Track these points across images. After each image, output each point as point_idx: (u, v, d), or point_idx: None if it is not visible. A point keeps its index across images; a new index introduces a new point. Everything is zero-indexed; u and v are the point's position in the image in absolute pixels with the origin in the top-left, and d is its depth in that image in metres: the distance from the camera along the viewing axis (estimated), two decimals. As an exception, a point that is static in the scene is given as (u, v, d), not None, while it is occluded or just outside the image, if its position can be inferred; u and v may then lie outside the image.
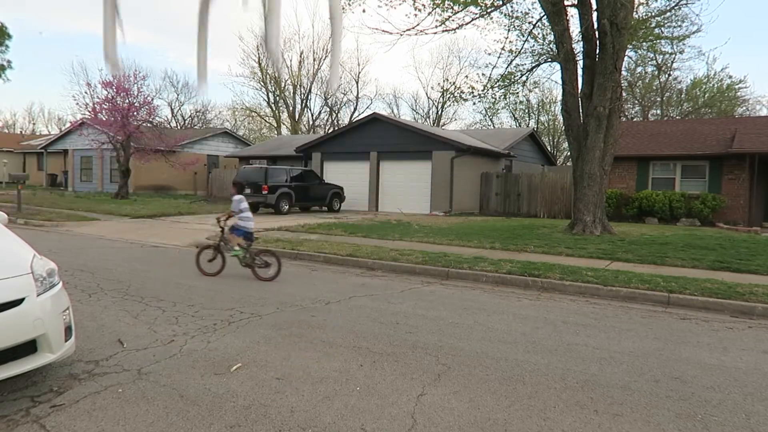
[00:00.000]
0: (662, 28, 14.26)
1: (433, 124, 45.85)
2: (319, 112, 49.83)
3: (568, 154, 21.18)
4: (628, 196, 18.82)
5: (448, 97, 41.29)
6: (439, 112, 48.04)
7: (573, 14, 13.35)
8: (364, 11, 14.41)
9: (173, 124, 47.16)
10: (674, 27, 14.25)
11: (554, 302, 6.48)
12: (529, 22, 13.96)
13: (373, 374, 3.83)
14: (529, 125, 42.80)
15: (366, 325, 5.16)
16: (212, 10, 0.84)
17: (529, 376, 3.88)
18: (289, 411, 3.20)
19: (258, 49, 47.85)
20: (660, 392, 3.62)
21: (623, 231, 13.61)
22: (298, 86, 46.44)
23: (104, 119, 22.02)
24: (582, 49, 12.93)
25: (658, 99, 38.25)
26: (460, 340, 4.72)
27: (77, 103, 30.83)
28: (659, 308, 6.26)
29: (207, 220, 15.55)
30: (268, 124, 50.29)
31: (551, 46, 13.68)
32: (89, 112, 22.81)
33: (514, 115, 45.43)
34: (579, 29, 12.89)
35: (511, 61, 13.93)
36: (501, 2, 13.46)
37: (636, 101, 38.62)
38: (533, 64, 14.11)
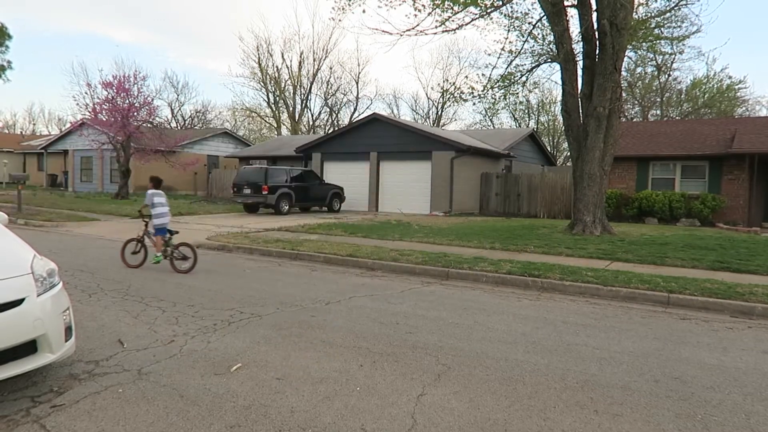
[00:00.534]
0: (662, 29, 14.27)
1: (433, 124, 45.86)
2: (319, 113, 49.91)
3: (568, 154, 21.20)
4: (628, 196, 18.83)
5: (448, 98, 41.29)
6: (439, 113, 48.09)
7: (573, 15, 13.37)
8: (364, 11, 14.42)
9: (173, 124, 47.21)
10: (674, 27, 14.27)
11: (554, 302, 6.48)
12: (529, 23, 13.97)
13: (373, 374, 3.84)
14: (529, 125, 42.82)
15: (366, 325, 5.16)
16: None
17: (529, 376, 3.88)
18: (289, 411, 3.20)
19: (258, 50, 47.91)
20: (660, 392, 3.62)
21: (623, 231, 13.62)
22: (298, 87, 46.47)
23: (104, 119, 22.04)
24: (582, 50, 12.93)
25: (658, 99, 38.27)
26: (460, 341, 4.72)
27: (77, 104, 30.87)
28: (659, 308, 6.26)
29: (207, 220, 15.55)
30: (268, 125, 50.33)
31: (551, 46, 13.68)
32: (89, 112, 22.84)
33: (514, 116, 45.48)
34: (579, 30, 12.90)
35: (511, 61, 13.94)
36: (501, 3, 13.46)
37: (636, 101, 38.64)
38: (533, 65, 14.12)
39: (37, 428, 2.92)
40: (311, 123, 48.72)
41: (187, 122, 49.32)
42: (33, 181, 37.38)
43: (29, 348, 3.31)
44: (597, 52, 12.42)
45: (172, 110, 49.53)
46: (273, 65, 46.28)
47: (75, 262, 8.29)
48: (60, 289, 3.67)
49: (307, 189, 19.98)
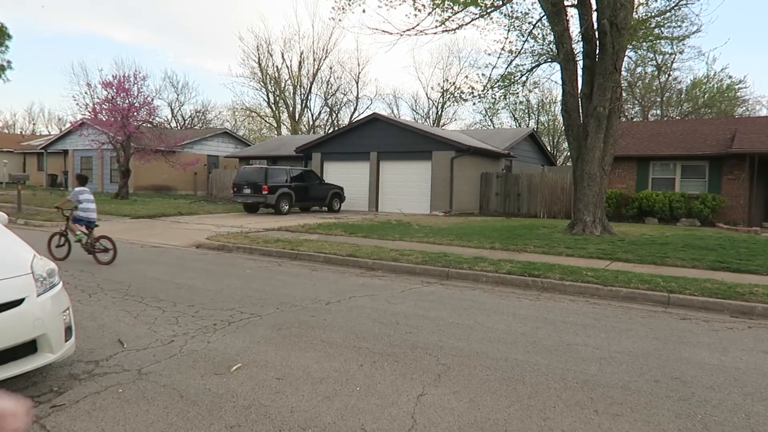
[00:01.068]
0: (662, 29, 14.27)
1: (433, 124, 45.86)
2: (319, 113, 49.90)
3: (568, 154, 21.20)
4: (628, 196, 18.83)
5: (448, 98, 41.27)
6: (439, 113, 48.09)
7: (573, 14, 13.37)
8: (364, 11, 14.42)
9: (173, 124, 47.20)
10: (674, 27, 14.27)
11: (554, 302, 6.48)
12: (529, 23, 13.97)
13: (373, 374, 3.84)
14: (529, 125, 42.82)
15: (366, 325, 5.16)
16: None
17: (528, 376, 3.88)
18: (289, 411, 3.20)
19: (258, 50, 47.91)
20: (660, 392, 3.62)
21: (623, 231, 13.62)
22: (298, 86, 46.47)
23: (104, 119, 22.03)
24: (582, 50, 12.93)
25: (658, 99, 38.26)
26: (460, 341, 4.72)
27: (77, 104, 30.86)
28: (659, 308, 6.26)
29: (207, 220, 15.55)
30: (268, 125, 50.32)
31: (551, 46, 13.68)
32: (89, 112, 22.83)
33: (514, 116, 45.47)
34: (579, 29, 12.90)
35: (511, 61, 13.94)
36: (501, 2, 13.46)
37: (636, 101, 38.64)
38: (533, 65, 14.12)
39: (37, 428, 2.92)
40: (311, 123, 48.73)
41: (187, 122, 49.33)
42: (33, 181, 37.37)
43: (29, 348, 3.31)
44: (597, 51, 12.42)
45: (172, 110, 49.57)
46: (273, 65, 46.32)
47: (75, 262, 8.29)
48: (60, 289, 3.67)
49: (307, 189, 19.98)
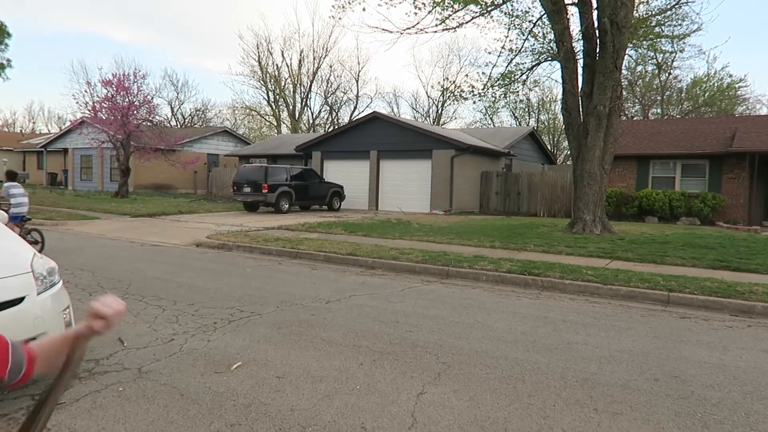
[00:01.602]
0: (662, 27, 14.25)
1: (433, 123, 45.84)
2: (319, 111, 49.89)
3: (568, 153, 21.20)
4: (628, 195, 18.83)
5: (448, 96, 41.30)
6: (439, 111, 48.06)
7: (573, 13, 13.35)
8: (364, 10, 14.44)
9: (173, 122, 47.17)
10: (674, 25, 14.25)
11: (554, 301, 6.48)
12: (530, 21, 13.95)
13: (373, 373, 3.84)
14: (529, 124, 42.81)
15: (366, 323, 5.17)
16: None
17: (528, 374, 3.88)
18: (289, 409, 3.20)
19: (258, 48, 47.90)
20: (659, 391, 3.62)
21: (623, 230, 13.62)
22: (298, 85, 46.45)
23: (104, 118, 22.02)
24: (582, 48, 12.92)
25: (659, 98, 38.24)
26: (460, 339, 4.72)
27: (77, 102, 30.85)
28: (659, 307, 6.27)
29: (207, 219, 15.55)
30: (268, 123, 50.31)
31: (551, 44, 13.67)
32: (89, 110, 22.81)
33: (514, 114, 45.45)
34: (579, 28, 12.88)
35: (512, 59, 13.93)
36: (501, 1, 13.45)
37: (636, 100, 38.62)
38: (533, 63, 14.11)
39: (38, 427, 2.92)
40: (311, 121, 48.71)
41: (186, 121, 49.31)
42: (33, 180, 37.37)
43: (29, 346, 3.31)
44: (597, 50, 12.41)
45: (171, 109, 49.55)
46: (273, 63, 46.30)
47: (75, 261, 8.29)
48: (60, 288, 3.67)
49: (307, 187, 19.97)
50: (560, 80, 13.24)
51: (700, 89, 36.80)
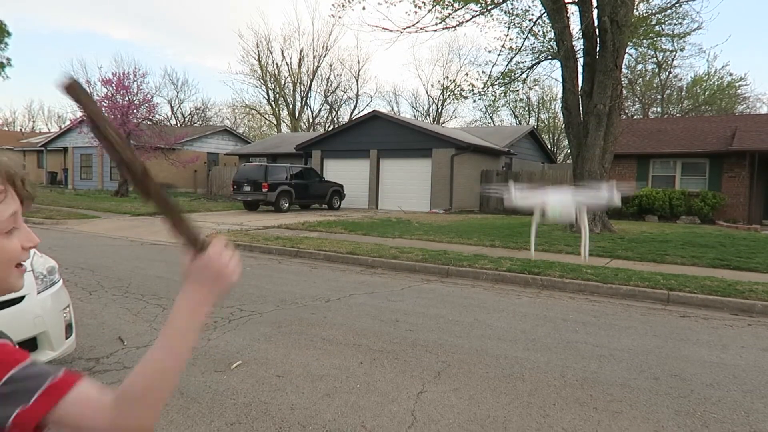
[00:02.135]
0: (663, 26, 14.24)
1: (433, 121, 45.83)
2: (319, 110, 49.85)
3: (569, 151, 21.18)
4: (628, 194, 18.82)
5: (449, 95, 41.26)
6: (439, 110, 48.04)
7: (573, 12, 13.34)
8: (364, 8, 14.43)
9: (173, 121, 47.11)
10: (675, 24, 14.24)
11: (554, 300, 6.48)
12: (530, 20, 13.95)
13: (373, 372, 3.84)
14: (529, 123, 42.79)
15: (366, 322, 5.17)
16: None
17: (528, 373, 3.88)
18: (289, 408, 3.21)
19: (258, 47, 47.84)
20: (659, 390, 3.63)
21: (623, 229, 13.62)
22: (298, 84, 46.42)
23: (104, 117, 21.99)
24: (582, 47, 12.91)
25: (659, 96, 38.23)
26: (460, 338, 4.73)
27: (77, 101, 30.73)
28: (659, 306, 6.27)
29: (207, 218, 15.55)
30: (267, 122, 50.28)
31: (551, 43, 13.66)
32: (89, 109, 22.78)
33: (514, 113, 45.43)
34: (579, 27, 12.88)
35: (512, 58, 13.93)
36: (501, 0, 13.44)
37: (636, 99, 38.60)
38: (533, 62, 14.10)
39: (38, 425, 2.93)
40: (311, 120, 48.69)
41: (186, 119, 49.27)
42: (33, 179, 37.27)
43: (29, 345, 3.31)
44: (597, 49, 12.40)
45: (171, 107, 49.48)
46: (273, 62, 46.25)
47: (75, 260, 8.29)
48: (60, 287, 3.67)
49: (307, 186, 19.97)
50: (560, 79, 13.24)
51: (700, 88, 36.78)
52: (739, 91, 36.47)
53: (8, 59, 33.04)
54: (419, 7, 13.16)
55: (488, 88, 14.48)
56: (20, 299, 3.29)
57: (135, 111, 22.38)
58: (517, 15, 13.97)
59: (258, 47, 48.47)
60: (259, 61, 45.38)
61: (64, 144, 32.75)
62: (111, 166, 29.52)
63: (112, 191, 24.60)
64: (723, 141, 18.15)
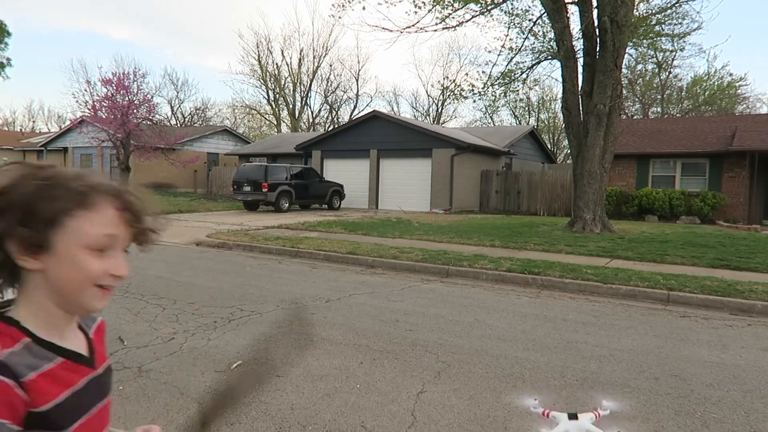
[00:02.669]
0: (663, 26, 14.24)
1: (433, 121, 45.83)
2: (319, 110, 49.86)
3: (569, 151, 21.20)
4: (628, 194, 18.82)
5: (449, 95, 41.27)
6: (439, 110, 48.05)
7: (573, 12, 13.34)
8: (364, 8, 14.43)
9: (173, 121, 47.12)
10: (675, 24, 14.24)
11: (554, 300, 6.48)
12: (530, 20, 13.95)
13: (373, 372, 3.84)
14: (529, 123, 42.79)
15: (366, 322, 5.17)
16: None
17: (528, 373, 3.88)
18: (289, 408, 3.21)
19: (258, 47, 47.86)
20: (659, 390, 3.63)
21: (623, 229, 13.62)
22: (298, 84, 46.42)
23: (104, 117, 22.01)
24: (582, 47, 12.91)
25: (659, 96, 38.23)
26: (460, 338, 4.73)
27: (77, 101, 30.71)
28: (659, 306, 6.27)
29: (207, 218, 15.56)
30: (267, 122, 50.29)
31: (551, 43, 13.67)
32: (89, 109, 22.80)
33: (514, 113, 45.43)
34: (579, 27, 12.88)
35: (512, 58, 13.93)
36: (501, 0, 13.44)
37: (636, 99, 38.61)
38: (533, 62, 14.10)
39: (38, 425, 2.92)
40: (311, 120, 48.69)
41: (186, 120, 49.28)
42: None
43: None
44: (597, 49, 12.40)
45: (171, 107, 49.48)
46: (273, 62, 46.25)
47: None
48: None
49: (307, 186, 19.97)
50: (560, 79, 13.24)
51: (700, 88, 36.79)
52: (739, 91, 36.51)
53: (8, 59, 33.09)
54: (419, 7, 13.17)
55: (488, 88, 14.48)
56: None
57: (135, 111, 22.37)
58: (517, 15, 13.98)
59: (258, 47, 48.47)
60: (259, 61, 45.40)
61: (64, 144, 32.76)
62: (111, 166, 29.52)
63: (112, 191, 24.54)
64: (723, 141, 18.15)
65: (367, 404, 3.29)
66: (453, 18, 13.38)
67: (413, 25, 13.57)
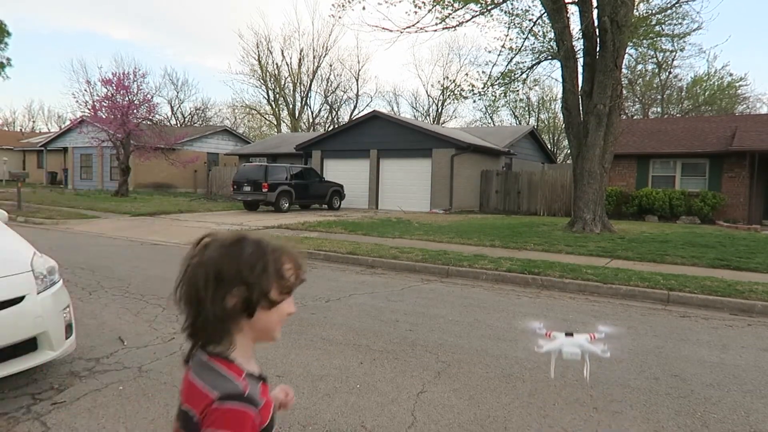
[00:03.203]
0: (663, 26, 14.24)
1: (433, 121, 45.83)
2: (319, 110, 49.86)
3: (569, 151, 21.19)
4: (628, 194, 18.82)
5: (449, 95, 41.27)
6: (439, 110, 48.05)
7: (573, 12, 13.34)
8: (364, 8, 14.42)
9: (173, 121, 47.12)
10: (675, 24, 14.23)
11: (554, 300, 6.48)
12: (530, 20, 13.94)
13: (373, 372, 3.84)
14: (529, 123, 42.79)
15: (366, 322, 5.17)
16: None
17: (528, 373, 3.88)
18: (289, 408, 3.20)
19: (258, 47, 47.85)
20: (659, 390, 3.63)
21: (623, 229, 13.62)
22: (298, 84, 46.42)
23: (104, 117, 22.00)
24: (582, 47, 12.91)
25: (659, 97, 38.24)
26: (460, 338, 4.72)
27: (77, 101, 30.69)
28: (659, 306, 6.27)
29: (207, 218, 15.55)
30: (267, 122, 50.28)
31: (551, 43, 13.66)
32: (89, 109, 22.78)
33: (514, 113, 45.44)
34: (579, 27, 12.87)
35: (512, 58, 13.92)
36: (501, 0, 13.44)
37: (636, 99, 38.62)
38: (533, 62, 14.10)
39: (38, 425, 2.93)
40: (311, 120, 48.69)
41: (186, 119, 49.28)
42: (33, 179, 37.35)
43: (30, 345, 3.31)
44: (597, 49, 12.40)
45: (171, 107, 49.49)
46: (273, 62, 46.26)
47: (75, 260, 8.29)
48: (60, 287, 3.67)
49: (307, 186, 19.97)
50: (560, 79, 13.24)
51: (700, 88, 36.79)
52: (739, 91, 36.51)
53: (8, 59, 33.11)
54: (419, 7, 13.16)
55: (488, 88, 14.47)
56: (20, 299, 3.29)
57: (135, 111, 22.35)
58: (517, 15, 13.97)
59: (258, 47, 48.48)
60: (259, 61, 45.40)
61: (64, 144, 32.75)
62: (111, 166, 29.52)
63: (112, 191, 24.58)
64: (723, 141, 18.15)
65: (367, 404, 3.29)
66: (453, 18, 13.38)
67: (413, 25, 13.57)
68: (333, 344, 4.45)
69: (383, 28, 13.81)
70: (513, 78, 14.09)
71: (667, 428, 3.07)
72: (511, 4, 13.77)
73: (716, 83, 36.19)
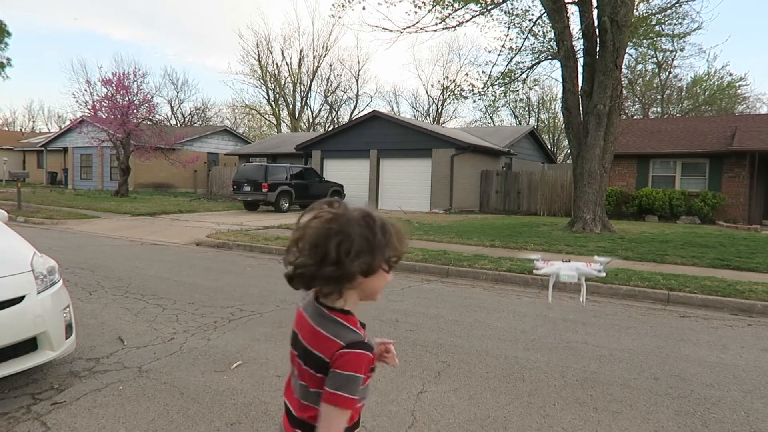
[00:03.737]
0: (663, 26, 14.26)
1: (433, 121, 45.83)
2: (319, 110, 49.87)
3: (569, 151, 21.19)
4: (628, 194, 18.82)
5: (449, 95, 41.27)
6: (439, 110, 48.04)
7: (573, 12, 13.35)
8: (364, 8, 14.46)
9: (173, 121, 47.12)
10: (675, 24, 14.25)
11: (554, 300, 6.48)
12: (530, 20, 13.96)
13: (373, 372, 3.84)
14: (529, 123, 42.79)
15: (366, 322, 5.16)
16: None
17: (528, 373, 3.88)
18: (289, 408, 3.20)
19: (258, 47, 47.85)
20: (659, 390, 3.63)
21: (623, 229, 13.62)
22: (298, 84, 46.42)
23: (104, 117, 22.00)
24: (582, 47, 12.92)
25: (659, 96, 38.23)
26: (460, 338, 4.73)
27: (77, 101, 30.72)
28: (659, 306, 6.27)
29: (207, 218, 15.56)
30: (267, 122, 50.29)
31: (551, 43, 13.67)
32: (89, 109, 22.78)
33: (514, 113, 45.44)
34: (579, 27, 12.88)
35: (512, 58, 13.93)
36: (501, 0, 13.44)
37: (636, 99, 38.61)
38: (533, 62, 14.11)
39: (38, 425, 2.93)
40: (311, 120, 48.69)
41: (186, 120, 49.28)
42: (33, 179, 37.36)
43: (30, 345, 3.32)
44: (597, 49, 12.40)
45: (171, 107, 49.48)
46: (273, 62, 46.25)
47: (75, 260, 8.29)
48: (60, 287, 3.67)
49: (307, 186, 19.98)
50: (560, 79, 13.24)
51: (700, 88, 36.79)
52: (739, 91, 36.51)
53: (8, 59, 33.13)
54: (419, 7, 13.17)
55: (488, 88, 14.49)
56: (20, 299, 3.29)
57: (135, 111, 22.36)
58: (517, 15, 13.99)
59: (258, 47, 48.50)
60: (259, 61, 45.41)
61: (64, 144, 32.74)
62: (111, 167, 29.52)
63: (112, 191, 24.58)
64: (723, 141, 18.15)
65: (367, 404, 3.27)
66: (453, 18, 13.39)
67: (413, 25, 13.58)
68: (333, 344, 4.45)
69: (383, 28, 13.82)
70: (513, 78, 14.10)
71: (667, 428, 3.07)
72: (511, 4, 13.80)
73: (716, 83, 36.20)
